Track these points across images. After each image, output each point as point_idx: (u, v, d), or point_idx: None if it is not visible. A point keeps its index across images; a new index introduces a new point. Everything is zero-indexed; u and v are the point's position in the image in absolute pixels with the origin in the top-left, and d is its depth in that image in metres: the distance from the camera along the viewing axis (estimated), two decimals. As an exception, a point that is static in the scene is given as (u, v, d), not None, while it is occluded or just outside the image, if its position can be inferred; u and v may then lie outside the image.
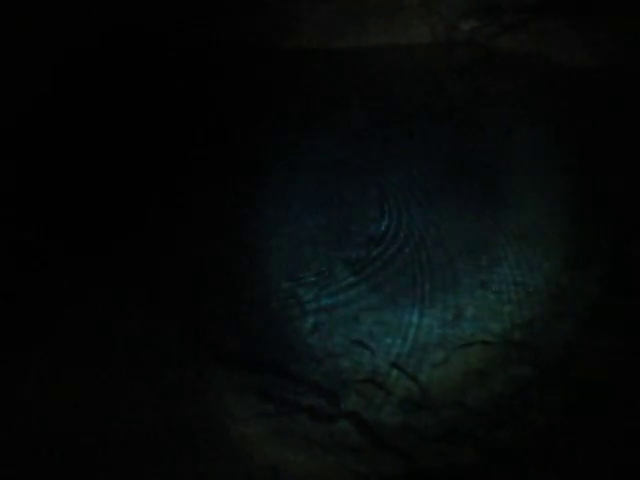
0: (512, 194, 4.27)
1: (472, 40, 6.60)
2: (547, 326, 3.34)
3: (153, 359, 3.30)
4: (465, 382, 3.13)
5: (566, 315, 3.38)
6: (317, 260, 3.93)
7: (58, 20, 5.46)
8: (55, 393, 3.09)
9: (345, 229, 4.15)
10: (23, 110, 5.03)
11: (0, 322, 3.46)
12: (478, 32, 6.62)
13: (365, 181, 4.57)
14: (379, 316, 3.55)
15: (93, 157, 4.82)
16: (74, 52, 5.56)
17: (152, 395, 3.12)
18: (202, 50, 6.23)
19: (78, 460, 2.83)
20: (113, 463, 2.83)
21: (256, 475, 2.80)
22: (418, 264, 3.84)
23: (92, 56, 5.71)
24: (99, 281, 3.76)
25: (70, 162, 4.72)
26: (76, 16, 5.63)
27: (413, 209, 4.26)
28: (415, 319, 3.49)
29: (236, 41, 6.40)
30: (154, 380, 3.20)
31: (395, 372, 3.21)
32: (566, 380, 3.06)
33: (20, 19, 5.18)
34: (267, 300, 3.68)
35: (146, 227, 4.24)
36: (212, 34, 6.35)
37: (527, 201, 4.20)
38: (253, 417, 3.03)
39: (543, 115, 5.18)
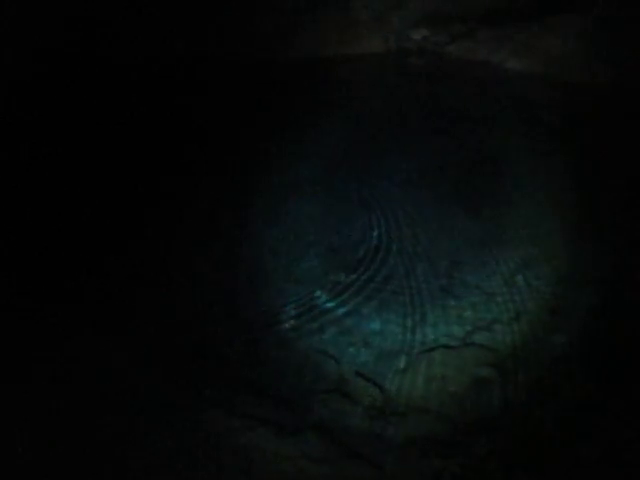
0: (468, 197, 4.39)
1: (424, 49, 6.72)
2: (506, 327, 3.41)
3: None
4: (429, 387, 3.16)
5: (523, 315, 3.46)
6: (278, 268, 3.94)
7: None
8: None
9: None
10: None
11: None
12: (429, 41, 6.75)
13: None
14: (342, 326, 3.56)
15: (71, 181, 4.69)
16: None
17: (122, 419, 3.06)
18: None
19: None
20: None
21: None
22: (379, 272, 3.90)
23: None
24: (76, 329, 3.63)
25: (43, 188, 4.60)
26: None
27: (374, 214, 4.33)
28: (377, 327, 3.52)
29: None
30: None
31: (360, 380, 3.22)
32: (527, 380, 3.12)
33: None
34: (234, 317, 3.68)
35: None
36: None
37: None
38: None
39: (492, 118, 5.36)
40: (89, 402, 3.14)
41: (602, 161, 4.57)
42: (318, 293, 3.74)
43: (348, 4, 6.96)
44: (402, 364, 3.27)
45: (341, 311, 3.64)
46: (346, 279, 3.82)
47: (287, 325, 3.55)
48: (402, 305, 3.62)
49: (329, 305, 3.67)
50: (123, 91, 5.71)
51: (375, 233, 4.16)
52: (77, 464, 2.88)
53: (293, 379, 3.24)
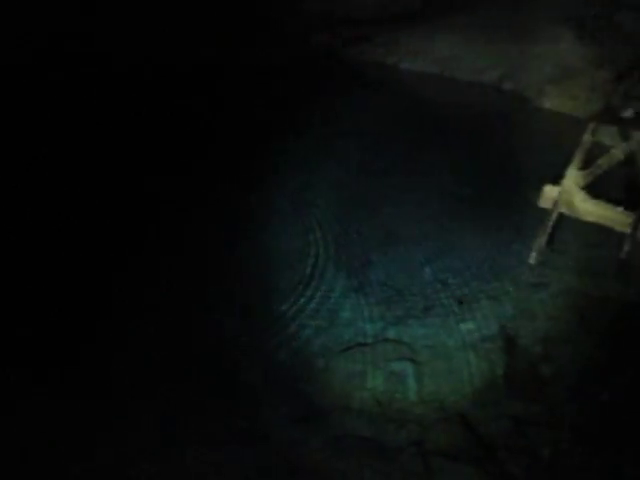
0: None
1: (329, 52, 6.82)
2: (417, 321, 3.52)
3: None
4: (348, 385, 3.20)
5: (433, 308, 3.59)
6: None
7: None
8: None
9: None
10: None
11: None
12: (333, 44, 6.86)
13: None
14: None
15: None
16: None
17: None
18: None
19: None
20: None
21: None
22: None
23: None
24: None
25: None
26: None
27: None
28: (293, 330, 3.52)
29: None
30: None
31: (280, 385, 3.20)
32: (442, 372, 3.24)
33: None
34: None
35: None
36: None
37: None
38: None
39: (385, 116, 5.60)
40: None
41: (491, 155, 4.89)
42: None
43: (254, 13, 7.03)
44: (321, 365, 3.30)
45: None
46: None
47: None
48: (315, 309, 3.64)
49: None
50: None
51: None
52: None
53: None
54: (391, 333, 3.45)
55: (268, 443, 2.91)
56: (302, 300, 3.68)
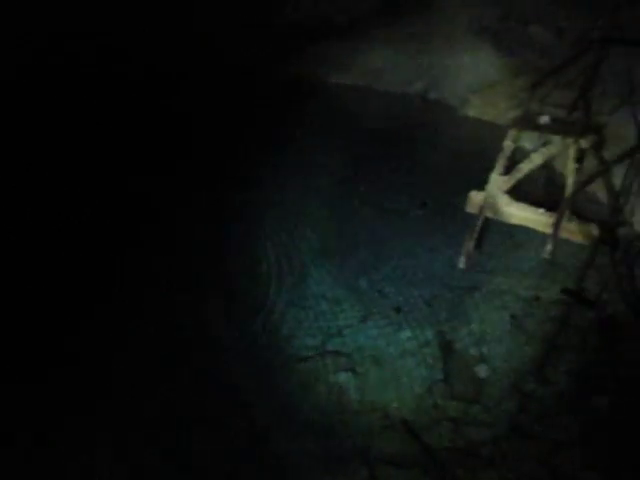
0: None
1: (255, 67, 6.82)
2: (356, 331, 3.55)
3: None
4: (292, 400, 3.19)
5: (371, 318, 3.63)
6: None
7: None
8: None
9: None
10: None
11: None
12: (260, 58, 6.86)
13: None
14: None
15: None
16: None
17: None
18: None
19: None
20: None
21: None
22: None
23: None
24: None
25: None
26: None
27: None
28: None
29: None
30: None
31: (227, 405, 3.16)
32: (383, 380, 3.27)
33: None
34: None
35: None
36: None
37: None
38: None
39: (320, 127, 5.71)
40: None
41: (419, 164, 5.03)
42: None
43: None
44: (265, 381, 3.27)
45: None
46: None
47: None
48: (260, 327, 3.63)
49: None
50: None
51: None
52: None
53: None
54: (331, 345, 3.47)
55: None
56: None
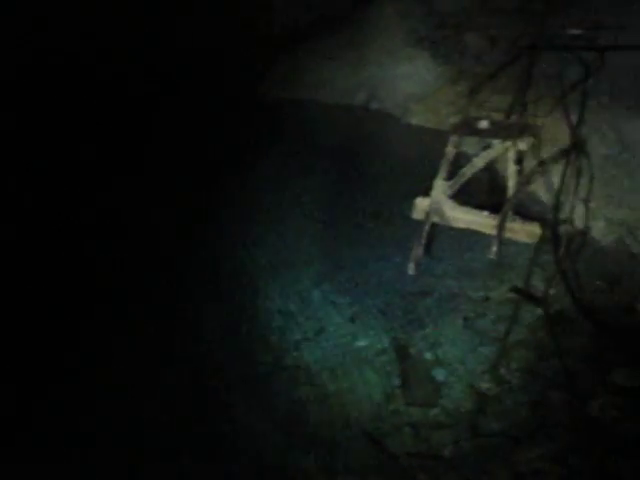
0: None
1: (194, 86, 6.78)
2: (312, 343, 3.55)
3: None
4: (254, 416, 3.14)
5: (326, 330, 3.64)
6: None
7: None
8: None
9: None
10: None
11: None
12: (203, 78, 6.83)
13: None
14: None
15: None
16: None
17: None
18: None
19: None
20: None
21: None
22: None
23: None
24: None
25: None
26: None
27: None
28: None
29: None
30: None
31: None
32: (342, 391, 3.26)
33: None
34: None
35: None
36: None
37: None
38: None
39: (264, 142, 5.72)
40: None
41: (365, 174, 5.09)
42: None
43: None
44: (224, 400, 3.24)
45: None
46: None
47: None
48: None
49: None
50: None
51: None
52: None
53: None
54: (289, 360, 3.45)
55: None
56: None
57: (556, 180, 4.35)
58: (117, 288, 4.08)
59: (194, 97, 6.51)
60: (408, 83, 6.24)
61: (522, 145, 4.50)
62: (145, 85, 6.34)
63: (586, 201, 4.33)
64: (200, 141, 5.78)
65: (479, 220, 4.03)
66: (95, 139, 5.43)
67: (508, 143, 4.45)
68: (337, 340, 3.55)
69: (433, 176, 4.30)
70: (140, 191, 5.00)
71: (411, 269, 3.93)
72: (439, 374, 3.31)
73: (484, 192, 4.65)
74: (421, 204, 4.20)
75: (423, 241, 4.00)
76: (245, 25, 7.24)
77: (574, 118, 4.64)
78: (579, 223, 4.24)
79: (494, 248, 3.91)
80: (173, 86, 6.56)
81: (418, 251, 3.97)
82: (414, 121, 5.92)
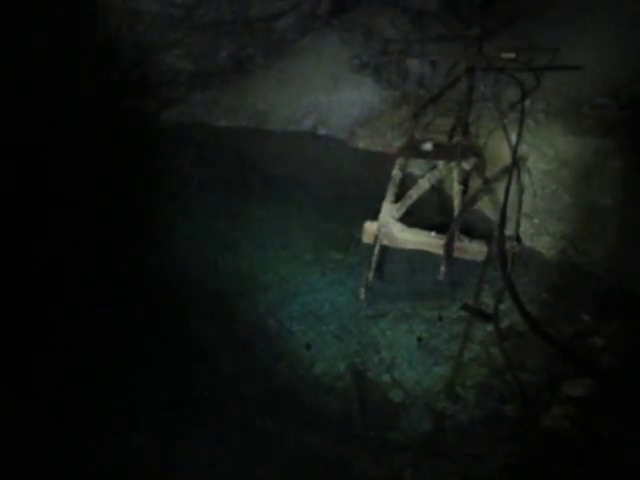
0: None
1: (137, 118, 6.72)
2: (270, 374, 3.52)
3: None
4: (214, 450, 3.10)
5: (283, 358, 3.62)
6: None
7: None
8: None
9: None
10: None
11: None
12: (141, 110, 6.77)
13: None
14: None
15: None
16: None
17: None
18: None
19: None
20: None
21: None
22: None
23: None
24: None
25: None
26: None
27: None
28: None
29: None
30: None
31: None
32: (301, 419, 3.24)
33: None
34: None
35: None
36: None
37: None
38: None
39: (214, 172, 5.70)
40: None
41: (315, 200, 5.13)
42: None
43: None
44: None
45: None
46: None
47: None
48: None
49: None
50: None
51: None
52: None
53: None
54: (247, 391, 3.39)
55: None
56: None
57: (500, 197, 4.48)
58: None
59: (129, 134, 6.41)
60: (354, 108, 6.36)
61: (466, 165, 4.65)
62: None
63: (530, 217, 4.48)
64: (140, 177, 5.64)
65: (427, 241, 4.12)
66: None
67: (452, 164, 4.58)
68: (294, 368, 3.53)
69: (382, 198, 4.39)
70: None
71: (362, 294, 3.95)
72: (396, 396, 3.33)
73: (432, 212, 4.75)
74: (370, 228, 4.26)
75: (374, 265, 4.05)
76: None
77: (514, 137, 4.81)
78: (524, 238, 4.38)
79: (442, 268, 3.99)
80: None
81: (369, 275, 4.01)
82: (361, 145, 6.03)
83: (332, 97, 6.48)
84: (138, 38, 6.43)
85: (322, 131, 6.33)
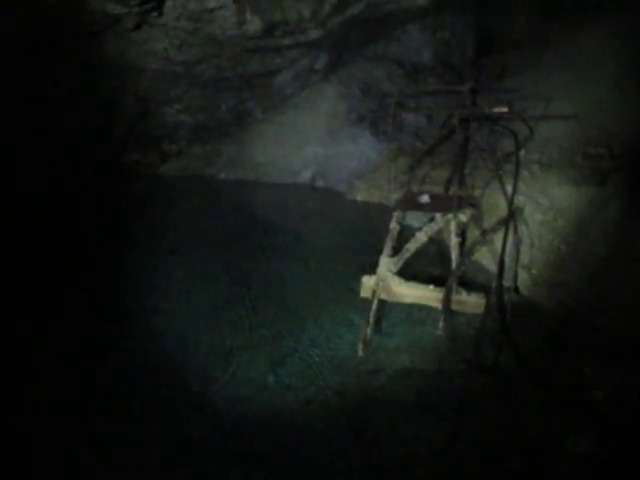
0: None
1: (139, 171, 6.86)
2: (270, 431, 3.47)
3: None
4: None
5: (282, 415, 3.57)
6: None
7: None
8: None
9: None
10: None
11: None
12: (142, 163, 6.93)
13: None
14: None
15: None
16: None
17: None
18: None
19: None
20: None
21: None
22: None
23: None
24: None
25: None
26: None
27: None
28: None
29: None
30: None
31: None
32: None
33: None
34: None
35: None
36: None
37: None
38: None
39: (215, 225, 5.72)
40: None
41: (315, 253, 5.18)
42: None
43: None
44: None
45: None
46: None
47: None
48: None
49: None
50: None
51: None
52: None
53: None
54: (246, 449, 3.35)
55: None
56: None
57: (498, 248, 4.51)
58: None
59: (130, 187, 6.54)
60: (351, 160, 6.49)
61: (462, 217, 4.69)
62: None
63: (527, 267, 4.50)
64: (140, 230, 5.74)
65: (426, 294, 4.12)
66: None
67: (449, 216, 4.62)
68: (294, 424, 3.48)
69: (380, 251, 4.41)
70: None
71: (360, 350, 3.92)
72: (398, 455, 3.27)
73: (431, 264, 4.78)
74: (368, 282, 4.28)
75: (371, 320, 4.04)
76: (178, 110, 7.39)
77: (509, 188, 4.87)
78: (522, 289, 4.40)
79: (440, 323, 3.99)
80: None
81: (367, 331, 3.99)
82: (359, 197, 6.12)
83: (330, 150, 6.61)
84: (141, 93, 6.65)
85: (320, 183, 6.44)
